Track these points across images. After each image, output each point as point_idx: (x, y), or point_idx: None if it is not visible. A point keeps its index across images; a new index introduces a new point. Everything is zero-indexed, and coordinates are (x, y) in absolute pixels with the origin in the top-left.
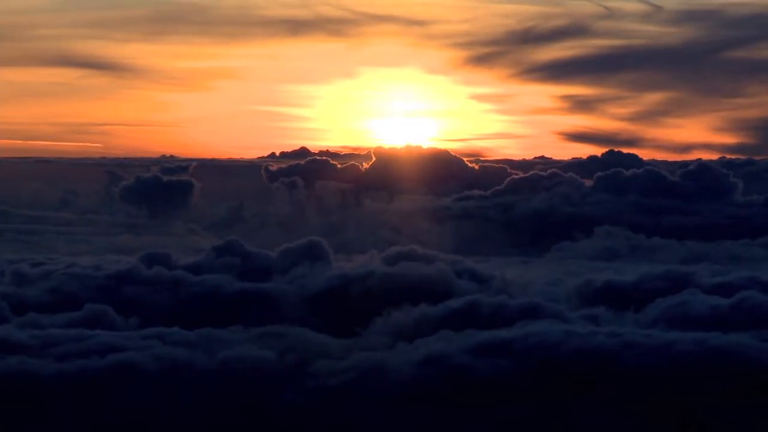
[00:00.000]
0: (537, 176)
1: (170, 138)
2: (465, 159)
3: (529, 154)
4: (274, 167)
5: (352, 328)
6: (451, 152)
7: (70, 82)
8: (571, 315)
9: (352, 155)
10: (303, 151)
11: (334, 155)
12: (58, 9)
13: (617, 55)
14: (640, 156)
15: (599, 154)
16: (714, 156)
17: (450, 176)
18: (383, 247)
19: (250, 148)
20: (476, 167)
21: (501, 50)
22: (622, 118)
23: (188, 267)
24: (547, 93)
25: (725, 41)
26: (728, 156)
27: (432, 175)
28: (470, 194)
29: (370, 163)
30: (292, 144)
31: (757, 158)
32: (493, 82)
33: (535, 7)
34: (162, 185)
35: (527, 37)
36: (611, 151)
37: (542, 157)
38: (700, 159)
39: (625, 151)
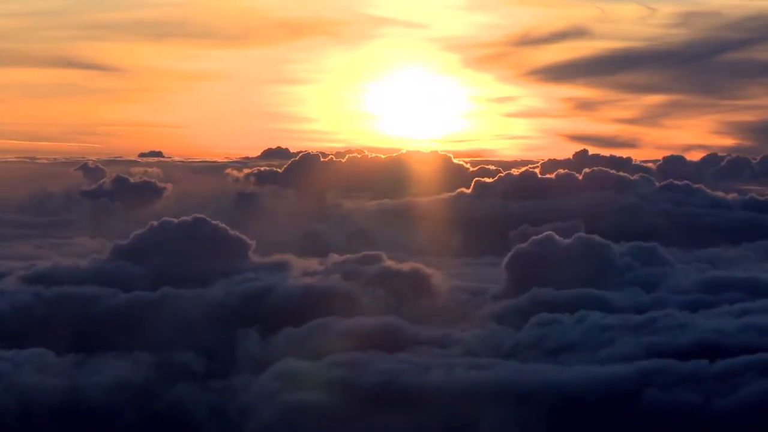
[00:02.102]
0: (508, 177)
1: (170, 139)
2: (460, 160)
3: (528, 156)
4: (246, 170)
5: (228, 350)
6: (442, 153)
7: (72, 83)
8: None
9: (340, 155)
10: (283, 152)
11: (323, 155)
12: (61, 12)
13: (617, 57)
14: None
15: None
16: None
17: (436, 178)
18: (354, 250)
19: (248, 148)
20: (471, 168)
21: (502, 52)
22: (622, 120)
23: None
24: (548, 95)
25: (723, 43)
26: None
27: (416, 177)
28: (450, 195)
29: (348, 165)
30: (291, 145)
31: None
32: (493, 83)
33: (535, 9)
34: (135, 187)
35: (527, 40)
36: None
37: (526, 161)
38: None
39: (625, 152)
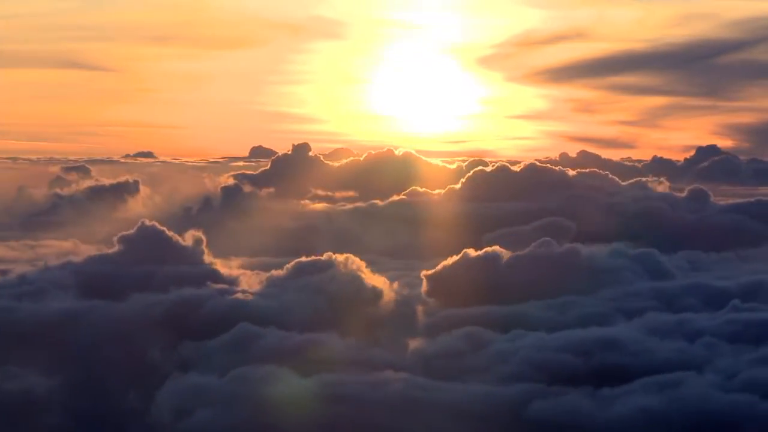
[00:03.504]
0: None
1: (167, 139)
2: (440, 160)
3: (528, 156)
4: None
5: (141, 364)
6: (427, 153)
7: (74, 84)
8: None
9: (332, 154)
10: (267, 151)
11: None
12: (63, 12)
13: (617, 59)
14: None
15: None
16: None
17: (418, 178)
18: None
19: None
20: (463, 168)
21: (502, 54)
22: (622, 121)
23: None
24: (548, 96)
25: (722, 45)
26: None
27: (398, 177)
28: (431, 195)
29: (331, 163)
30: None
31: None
32: (494, 84)
33: (534, 11)
34: (114, 189)
35: (528, 42)
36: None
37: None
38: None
39: (624, 153)
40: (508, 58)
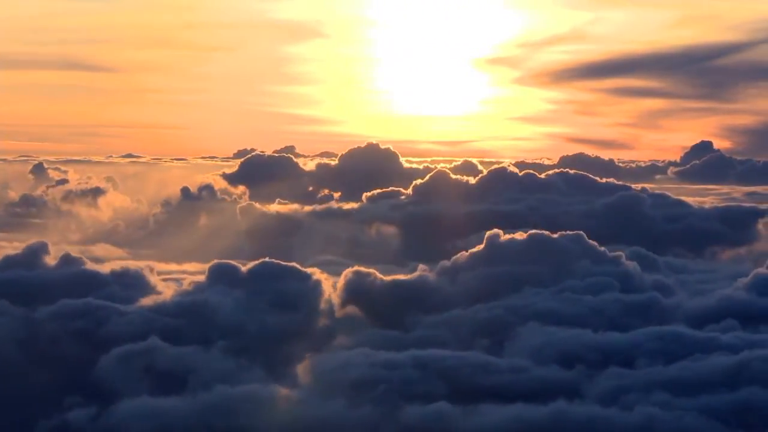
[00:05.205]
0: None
1: (169, 141)
2: (420, 160)
3: (526, 157)
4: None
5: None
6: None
7: (73, 85)
8: None
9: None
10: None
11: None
12: (62, 14)
13: (616, 60)
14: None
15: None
16: None
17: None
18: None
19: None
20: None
21: (502, 55)
22: (620, 123)
23: None
24: (548, 97)
25: (721, 47)
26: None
27: (378, 179)
28: (408, 197)
29: (306, 166)
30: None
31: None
32: (494, 86)
33: (535, 12)
34: (85, 191)
35: (528, 43)
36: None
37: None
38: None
39: (622, 154)
40: (509, 59)
